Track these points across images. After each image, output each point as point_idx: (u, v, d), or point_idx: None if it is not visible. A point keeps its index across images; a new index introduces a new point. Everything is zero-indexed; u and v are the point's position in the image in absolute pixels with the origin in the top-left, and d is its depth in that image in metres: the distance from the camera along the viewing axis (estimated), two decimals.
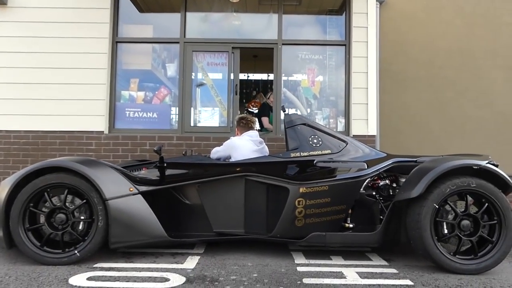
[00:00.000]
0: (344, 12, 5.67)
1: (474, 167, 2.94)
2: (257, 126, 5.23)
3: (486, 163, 2.97)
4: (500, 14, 6.26)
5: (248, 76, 8.56)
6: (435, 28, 6.27)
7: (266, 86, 8.65)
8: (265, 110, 6.04)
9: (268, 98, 6.14)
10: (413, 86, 6.17)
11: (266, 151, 3.83)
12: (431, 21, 6.28)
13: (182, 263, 2.99)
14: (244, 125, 3.87)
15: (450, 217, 2.93)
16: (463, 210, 2.91)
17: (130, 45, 5.74)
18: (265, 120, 5.87)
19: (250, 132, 3.80)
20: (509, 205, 2.88)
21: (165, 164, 3.36)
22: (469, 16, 6.29)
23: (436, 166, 2.93)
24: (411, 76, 6.17)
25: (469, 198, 2.92)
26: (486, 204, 2.89)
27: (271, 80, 6.27)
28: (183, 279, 2.61)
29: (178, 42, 5.66)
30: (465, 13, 6.28)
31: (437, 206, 2.86)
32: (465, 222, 2.87)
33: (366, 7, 5.52)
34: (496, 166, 3.03)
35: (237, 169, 3.33)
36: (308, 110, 5.74)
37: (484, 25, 6.27)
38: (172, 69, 5.80)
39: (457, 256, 2.85)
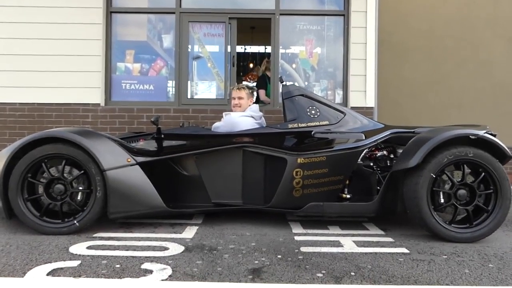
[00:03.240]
0: None
1: (472, 137, 2.94)
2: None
3: (484, 133, 2.97)
4: None
5: (245, 49, 8.42)
6: None
7: (263, 59, 8.53)
8: (262, 83, 5.97)
9: (265, 70, 6.00)
10: (412, 56, 6.08)
11: (264, 124, 3.81)
12: None
13: (180, 233, 3.02)
14: (250, 93, 3.84)
15: (447, 186, 2.94)
16: (459, 179, 2.92)
17: (125, 16, 5.61)
18: (261, 92, 5.81)
19: (253, 107, 3.77)
20: (506, 175, 2.90)
21: (162, 135, 3.35)
22: None
23: (434, 136, 2.92)
24: (410, 46, 6.07)
25: (466, 168, 2.94)
26: (483, 173, 2.90)
27: (269, 53, 6.16)
28: (182, 248, 2.65)
29: (174, 13, 5.54)
30: None
31: (434, 176, 2.87)
32: (462, 192, 2.89)
33: None
34: (494, 136, 3.03)
35: (235, 140, 3.32)
36: (306, 82, 5.69)
37: None
38: (168, 41, 5.70)
39: (452, 225, 2.89)
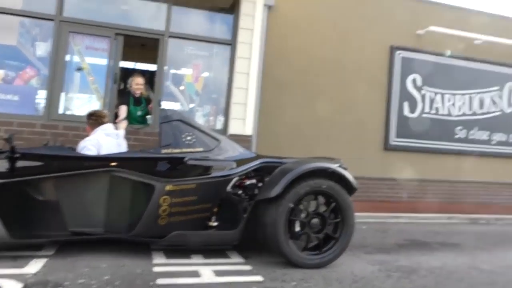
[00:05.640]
0: (234, 13, 5.76)
1: (328, 170, 3.23)
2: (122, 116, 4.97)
3: (337, 167, 3.29)
4: (366, 32, 6.98)
5: (135, 65, 8.16)
6: (314, 38, 6.71)
7: (153, 77, 8.34)
8: (127, 98, 5.31)
9: (131, 86, 5.38)
10: (291, 90, 6.53)
11: (124, 144, 3.81)
12: (311, 31, 6.70)
13: (22, 267, 2.69)
14: (94, 122, 3.72)
15: (303, 215, 3.17)
16: (313, 209, 3.17)
17: None
18: (124, 108, 5.12)
19: (104, 126, 3.66)
20: (351, 204, 3.23)
21: (17, 155, 3.00)
22: (342, 30, 6.88)
23: (295, 168, 3.14)
24: (290, 81, 6.52)
25: (321, 198, 3.21)
26: (334, 203, 3.19)
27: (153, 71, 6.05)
28: (20, 286, 2.36)
29: (52, 20, 5.13)
30: (339, 27, 6.86)
31: (292, 206, 3.07)
32: (314, 221, 3.14)
33: (254, 10, 5.67)
34: (345, 169, 3.38)
35: (102, 164, 3.14)
36: (190, 105, 5.71)
37: (353, 40, 6.92)
38: (43, 49, 5.24)
39: (305, 252, 3.11)
